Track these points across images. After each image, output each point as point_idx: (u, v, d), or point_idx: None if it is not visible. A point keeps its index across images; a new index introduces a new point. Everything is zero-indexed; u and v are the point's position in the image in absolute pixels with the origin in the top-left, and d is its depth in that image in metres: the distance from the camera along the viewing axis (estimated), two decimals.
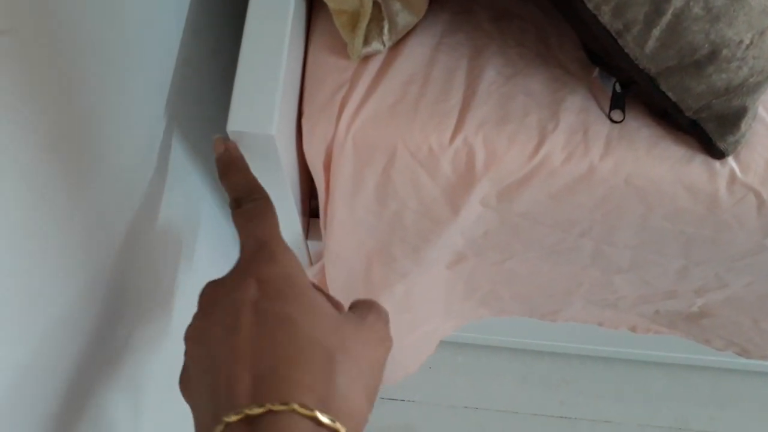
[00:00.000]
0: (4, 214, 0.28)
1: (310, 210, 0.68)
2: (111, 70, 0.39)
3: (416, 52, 0.55)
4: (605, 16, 0.42)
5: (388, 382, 0.85)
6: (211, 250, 0.64)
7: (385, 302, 0.68)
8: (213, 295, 0.34)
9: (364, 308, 0.37)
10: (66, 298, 0.36)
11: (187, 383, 0.34)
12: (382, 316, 0.38)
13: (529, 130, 0.53)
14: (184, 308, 0.49)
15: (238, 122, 0.44)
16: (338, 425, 0.29)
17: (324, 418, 0.28)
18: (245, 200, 0.38)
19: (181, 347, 0.34)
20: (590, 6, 0.42)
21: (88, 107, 0.36)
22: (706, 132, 0.50)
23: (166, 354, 0.52)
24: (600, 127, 0.53)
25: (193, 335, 0.34)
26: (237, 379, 0.30)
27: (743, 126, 0.50)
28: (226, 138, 0.44)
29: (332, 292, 0.71)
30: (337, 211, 0.58)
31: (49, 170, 0.32)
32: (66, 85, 0.33)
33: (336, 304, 0.37)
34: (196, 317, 0.35)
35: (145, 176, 0.46)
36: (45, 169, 0.32)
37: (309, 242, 0.69)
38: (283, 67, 0.46)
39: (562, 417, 1.23)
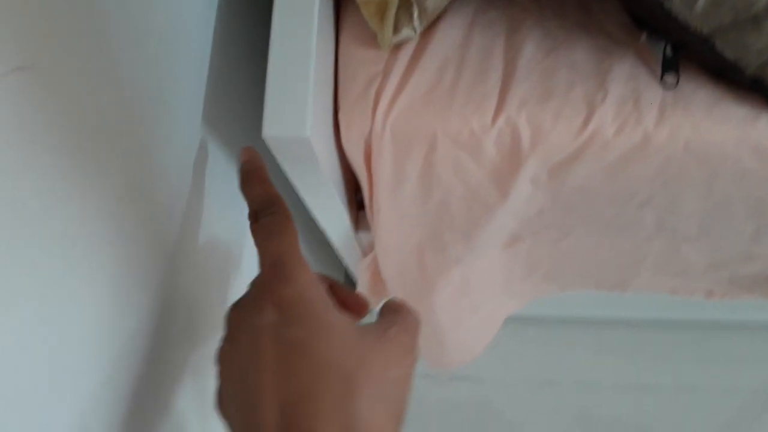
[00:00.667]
0: (62, 235, 0.29)
1: (357, 202, 0.67)
2: (144, 89, 0.39)
3: (449, 34, 0.53)
4: None
5: (454, 366, 0.84)
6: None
7: (442, 289, 0.68)
8: (236, 319, 0.35)
9: (389, 318, 0.36)
10: (126, 320, 0.37)
11: (221, 403, 0.34)
12: (409, 324, 0.36)
13: (576, 104, 0.50)
14: None
15: (273, 127, 0.44)
16: None
17: None
18: (262, 213, 0.37)
19: None
20: None
21: (126, 129, 0.37)
22: None
23: None
24: (652, 93, 0.50)
25: (222, 358, 0.34)
26: (263, 408, 0.30)
27: None
28: (252, 148, 0.43)
29: (387, 283, 0.71)
30: (382, 203, 0.57)
31: (95, 193, 0.33)
32: (101, 109, 0.34)
33: (358, 306, 0.37)
34: (224, 340, 0.35)
35: (186, 189, 0.46)
36: (91, 194, 0.32)
37: (360, 234, 0.68)
38: (312, 66, 0.45)
39: (642, 385, 1.20)
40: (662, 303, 1.04)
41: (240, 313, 0.34)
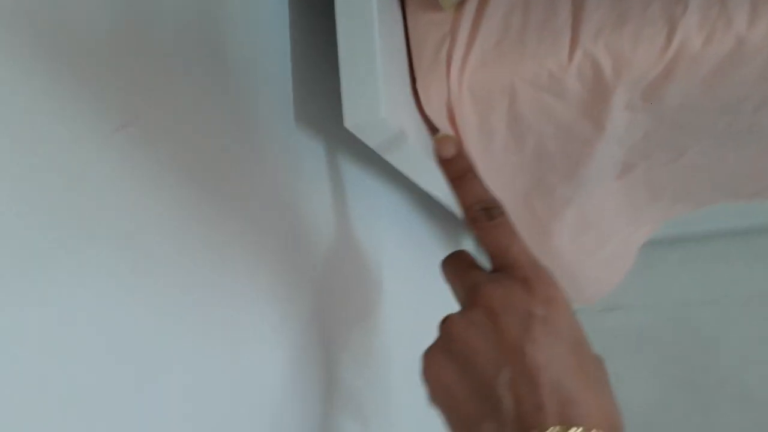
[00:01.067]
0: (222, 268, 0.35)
1: None
2: (236, 112, 0.44)
3: None
4: None
5: (593, 300, 0.83)
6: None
7: (560, 231, 0.68)
8: (502, 298, 0.35)
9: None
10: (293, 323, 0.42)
11: (449, 402, 0.35)
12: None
13: (654, 22, 0.47)
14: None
15: (351, 116, 0.47)
16: None
17: None
18: (496, 211, 0.39)
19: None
20: None
21: (230, 154, 0.42)
22: None
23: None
24: None
25: (479, 333, 0.35)
26: (543, 394, 0.31)
27: None
28: (449, 138, 0.43)
29: None
30: (477, 160, 0.58)
31: (227, 216, 0.38)
32: (202, 145, 0.39)
33: None
34: (484, 315, 0.35)
35: (288, 191, 0.51)
36: (215, 226, 0.38)
37: None
38: (377, 47, 0.47)
39: None
40: None
41: (507, 293, 0.35)
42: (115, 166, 0.33)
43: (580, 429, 0.30)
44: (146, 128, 0.35)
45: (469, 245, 1.19)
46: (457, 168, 0.41)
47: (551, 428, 0.30)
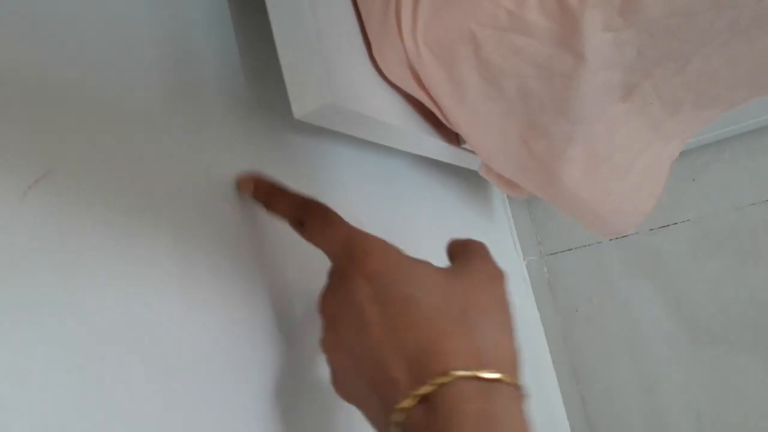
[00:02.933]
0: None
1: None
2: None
3: None
4: None
5: (625, 231, 0.78)
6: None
7: (568, 171, 0.63)
8: (332, 305, 0.37)
9: (466, 254, 0.38)
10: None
11: (342, 387, 0.37)
12: (484, 251, 0.38)
13: None
14: None
15: (299, 107, 0.44)
16: (500, 375, 0.31)
17: (486, 374, 0.30)
18: (304, 217, 0.39)
19: None
20: None
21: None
22: None
23: None
24: None
25: (330, 346, 0.37)
26: (392, 368, 0.32)
27: None
28: (246, 173, 0.44)
29: (510, 185, 0.68)
30: (457, 115, 0.54)
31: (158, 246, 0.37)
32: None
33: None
34: (325, 329, 0.37)
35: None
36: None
37: (466, 146, 0.65)
38: (312, 26, 0.43)
39: None
40: None
41: (333, 298, 0.37)
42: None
43: (440, 380, 0.30)
44: (61, 181, 0.33)
45: (497, 194, 1.14)
46: (262, 194, 0.42)
47: (406, 400, 0.30)
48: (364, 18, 0.50)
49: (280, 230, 0.44)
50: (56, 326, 0.30)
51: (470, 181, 0.99)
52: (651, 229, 1.13)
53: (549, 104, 0.54)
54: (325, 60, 0.43)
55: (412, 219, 0.70)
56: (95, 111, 0.36)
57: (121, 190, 0.36)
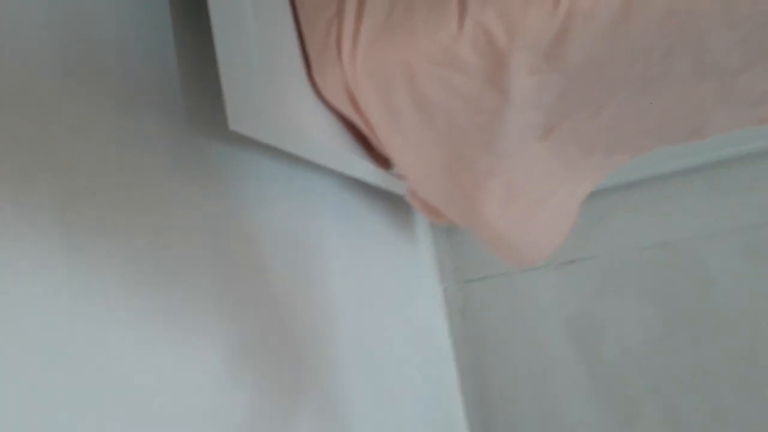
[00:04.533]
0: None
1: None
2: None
3: None
4: None
5: (540, 260, 0.82)
6: None
7: (487, 201, 0.66)
8: None
9: None
10: None
11: None
12: None
13: None
14: None
15: (237, 119, 0.44)
16: None
17: None
18: None
19: None
20: None
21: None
22: None
23: None
24: None
25: None
26: None
27: None
28: None
29: (434, 205, 0.70)
30: (389, 139, 0.56)
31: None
32: None
33: None
34: None
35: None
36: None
37: (395, 170, 0.68)
38: (253, 42, 0.44)
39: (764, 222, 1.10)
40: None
41: None
42: None
43: None
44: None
45: (420, 220, 1.17)
46: None
47: None
48: (306, 40, 0.52)
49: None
50: None
51: (396, 206, 1.01)
52: (560, 264, 1.19)
53: (474, 138, 0.57)
54: (263, 75, 0.44)
55: (327, 237, 0.70)
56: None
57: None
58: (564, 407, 1.15)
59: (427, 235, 1.19)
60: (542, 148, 0.66)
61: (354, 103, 0.53)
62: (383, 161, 0.67)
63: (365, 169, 0.63)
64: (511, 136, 0.58)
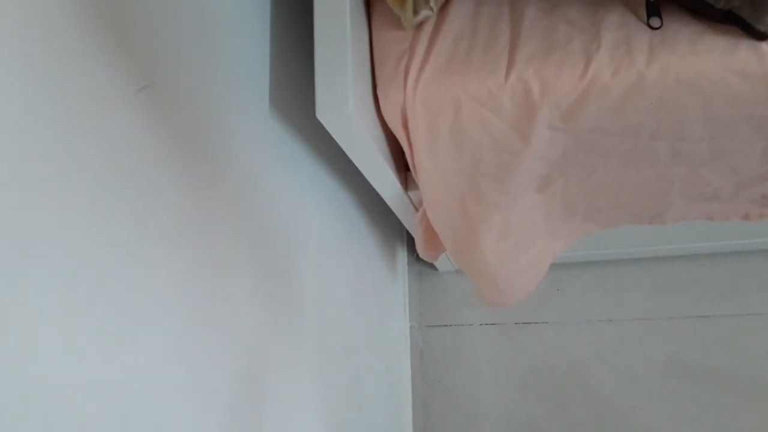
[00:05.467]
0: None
1: (405, 164, 0.78)
2: (218, 88, 0.51)
3: (461, 8, 0.62)
4: None
5: (510, 303, 0.93)
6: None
7: (487, 233, 0.77)
8: None
9: None
10: None
11: None
12: None
13: (575, 55, 0.58)
14: None
15: (323, 109, 0.55)
16: None
17: None
18: None
19: None
20: None
21: (215, 126, 0.49)
22: (743, 18, 0.53)
23: None
24: (641, 36, 0.57)
25: None
26: None
27: None
28: None
29: (439, 234, 0.81)
30: (422, 161, 0.67)
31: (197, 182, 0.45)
32: (191, 117, 0.46)
33: None
34: None
35: (260, 172, 0.58)
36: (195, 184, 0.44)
37: (410, 193, 0.78)
38: (349, 54, 0.56)
39: (700, 316, 1.25)
40: (709, 232, 1.10)
41: None
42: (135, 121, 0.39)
43: None
44: (158, 93, 0.42)
45: (402, 253, 1.27)
46: None
47: None
48: (376, 64, 0.63)
49: None
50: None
51: (386, 239, 1.12)
52: (516, 323, 1.30)
53: (492, 172, 0.69)
54: (351, 81, 0.55)
55: (321, 235, 0.76)
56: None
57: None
58: None
59: (405, 274, 1.29)
60: (537, 199, 0.79)
61: (405, 123, 0.64)
62: (403, 182, 0.78)
63: (391, 185, 0.74)
64: (521, 178, 0.71)
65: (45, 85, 0.32)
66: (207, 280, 0.46)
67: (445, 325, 1.32)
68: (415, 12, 0.60)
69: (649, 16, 0.57)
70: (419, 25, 0.62)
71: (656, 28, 0.57)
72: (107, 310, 0.35)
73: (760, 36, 0.54)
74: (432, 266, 1.32)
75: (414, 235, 0.88)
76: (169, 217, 0.42)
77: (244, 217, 0.54)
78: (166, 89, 0.42)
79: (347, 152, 0.64)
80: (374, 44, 0.64)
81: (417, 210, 0.82)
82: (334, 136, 0.59)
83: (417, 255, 1.08)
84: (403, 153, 0.77)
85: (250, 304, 0.54)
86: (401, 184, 0.76)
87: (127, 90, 0.39)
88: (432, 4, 0.60)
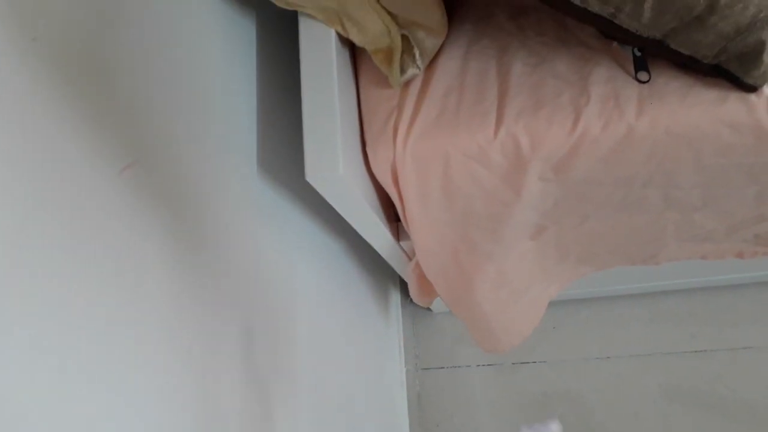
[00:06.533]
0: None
1: (395, 215, 0.77)
2: (208, 156, 0.50)
3: (448, 65, 0.62)
4: (595, 6, 0.47)
5: (507, 349, 0.92)
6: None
7: (481, 283, 0.76)
8: None
9: None
10: None
11: None
12: None
13: (564, 109, 0.58)
14: None
15: (313, 171, 0.54)
16: None
17: None
18: None
19: None
20: (578, 1, 0.47)
21: (198, 193, 0.48)
22: (731, 72, 0.53)
23: None
24: (630, 90, 0.57)
25: None
26: None
27: (766, 57, 0.52)
28: None
29: (433, 283, 0.80)
30: (413, 214, 0.67)
31: (178, 238, 0.44)
32: (183, 178, 0.45)
33: None
34: None
35: (243, 221, 0.57)
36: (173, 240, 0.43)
37: (402, 243, 0.78)
38: (338, 117, 0.55)
39: (697, 351, 1.24)
40: (704, 268, 1.09)
41: None
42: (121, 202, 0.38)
43: None
44: (142, 169, 0.41)
45: (395, 296, 1.26)
46: None
47: None
48: (365, 121, 0.63)
49: None
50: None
51: (380, 286, 1.11)
52: (513, 363, 1.28)
53: (484, 224, 0.69)
54: (341, 144, 0.55)
55: (313, 292, 0.76)
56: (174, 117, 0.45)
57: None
58: None
59: (399, 317, 1.27)
60: (530, 246, 0.78)
61: (395, 178, 0.63)
62: (395, 234, 0.77)
63: (383, 237, 0.73)
64: (513, 229, 0.70)
65: (23, 175, 0.31)
66: (198, 341, 0.45)
67: (442, 368, 1.30)
68: (403, 71, 0.60)
69: (637, 70, 0.57)
70: (406, 83, 0.62)
71: (644, 82, 0.57)
72: (99, 396, 0.33)
73: (748, 88, 0.54)
74: (426, 308, 1.30)
75: (408, 282, 0.87)
76: (159, 289, 0.41)
77: (234, 277, 0.53)
78: (150, 164, 0.42)
79: (338, 210, 0.63)
80: (362, 102, 0.64)
81: (410, 259, 0.82)
82: (324, 197, 0.58)
83: (411, 298, 1.07)
84: (393, 203, 0.76)
85: (242, 362, 0.52)
86: (393, 235, 0.75)
87: (109, 172, 0.38)
88: (419, 62, 0.60)
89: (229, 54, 0.59)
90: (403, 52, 0.59)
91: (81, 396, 0.33)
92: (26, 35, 0.33)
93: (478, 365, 1.30)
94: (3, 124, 0.30)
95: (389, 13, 0.56)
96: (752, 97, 0.55)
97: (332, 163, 0.54)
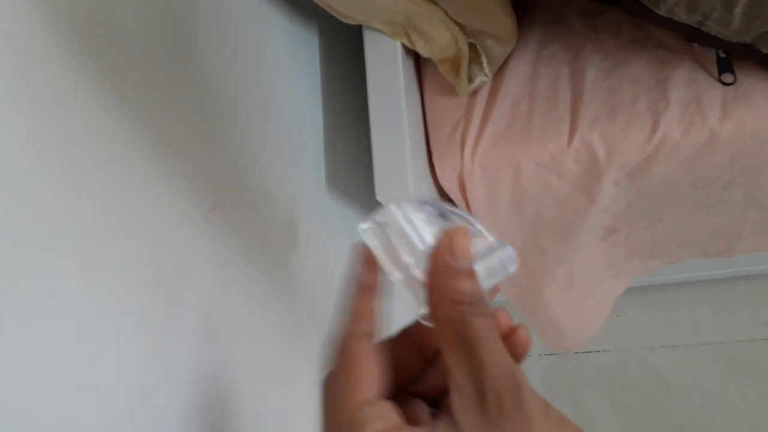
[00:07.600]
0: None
1: None
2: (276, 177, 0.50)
3: (518, 72, 0.60)
4: (681, 15, 0.45)
5: (576, 346, 0.91)
6: None
7: (549, 285, 0.75)
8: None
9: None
10: None
11: None
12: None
13: (641, 115, 0.55)
14: None
15: (383, 190, 0.54)
16: None
17: None
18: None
19: None
20: (663, 12, 0.44)
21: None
22: None
23: None
24: (713, 93, 0.54)
25: None
26: None
27: None
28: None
29: (500, 285, 0.79)
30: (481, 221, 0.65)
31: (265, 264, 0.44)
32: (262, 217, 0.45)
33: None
34: None
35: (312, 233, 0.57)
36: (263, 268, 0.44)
37: None
38: (406, 134, 0.54)
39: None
40: None
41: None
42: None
43: None
44: (224, 210, 0.41)
45: None
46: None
47: None
48: (431, 132, 0.62)
49: None
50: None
51: None
52: (576, 353, 1.27)
53: (554, 230, 0.67)
54: (410, 160, 0.54)
55: None
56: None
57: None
58: None
59: None
60: (600, 247, 0.76)
61: (462, 188, 0.62)
62: None
63: None
64: (584, 232, 0.68)
65: (118, 224, 0.31)
66: (271, 360, 0.46)
67: None
68: (470, 79, 0.58)
69: (720, 72, 0.54)
70: (473, 93, 0.60)
71: (729, 84, 0.54)
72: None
73: None
74: None
75: None
76: (241, 317, 0.41)
77: (309, 296, 0.53)
78: (232, 205, 0.42)
79: None
80: (427, 112, 0.63)
81: None
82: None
83: None
84: None
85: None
86: None
87: (195, 216, 0.38)
88: (487, 70, 0.58)
89: (294, 69, 0.59)
90: (470, 60, 0.57)
91: None
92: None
93: (540, 355, 1.28)
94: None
95: (457, 23, 0.54)
96: None
97: (402, 183, 0.53)
